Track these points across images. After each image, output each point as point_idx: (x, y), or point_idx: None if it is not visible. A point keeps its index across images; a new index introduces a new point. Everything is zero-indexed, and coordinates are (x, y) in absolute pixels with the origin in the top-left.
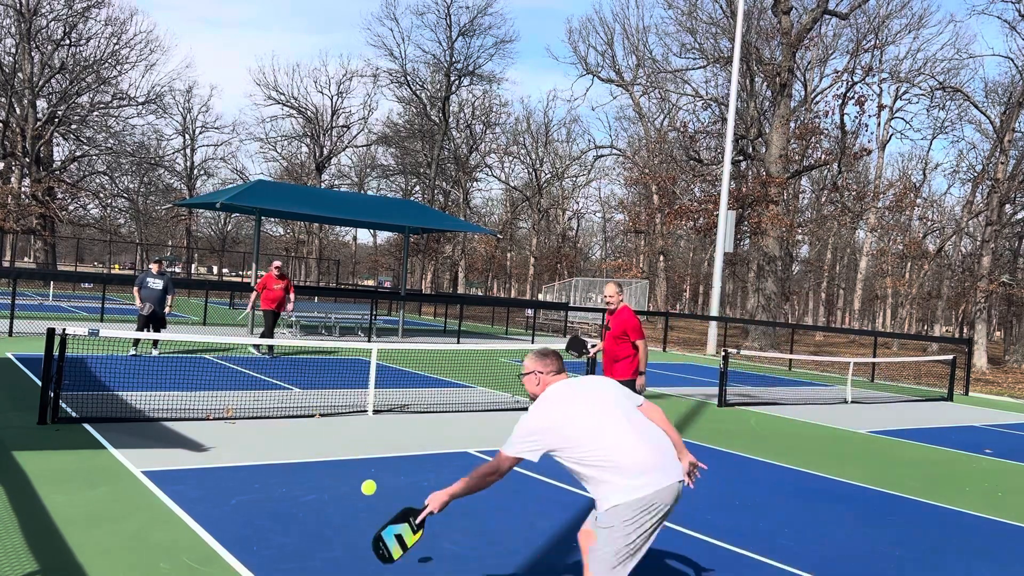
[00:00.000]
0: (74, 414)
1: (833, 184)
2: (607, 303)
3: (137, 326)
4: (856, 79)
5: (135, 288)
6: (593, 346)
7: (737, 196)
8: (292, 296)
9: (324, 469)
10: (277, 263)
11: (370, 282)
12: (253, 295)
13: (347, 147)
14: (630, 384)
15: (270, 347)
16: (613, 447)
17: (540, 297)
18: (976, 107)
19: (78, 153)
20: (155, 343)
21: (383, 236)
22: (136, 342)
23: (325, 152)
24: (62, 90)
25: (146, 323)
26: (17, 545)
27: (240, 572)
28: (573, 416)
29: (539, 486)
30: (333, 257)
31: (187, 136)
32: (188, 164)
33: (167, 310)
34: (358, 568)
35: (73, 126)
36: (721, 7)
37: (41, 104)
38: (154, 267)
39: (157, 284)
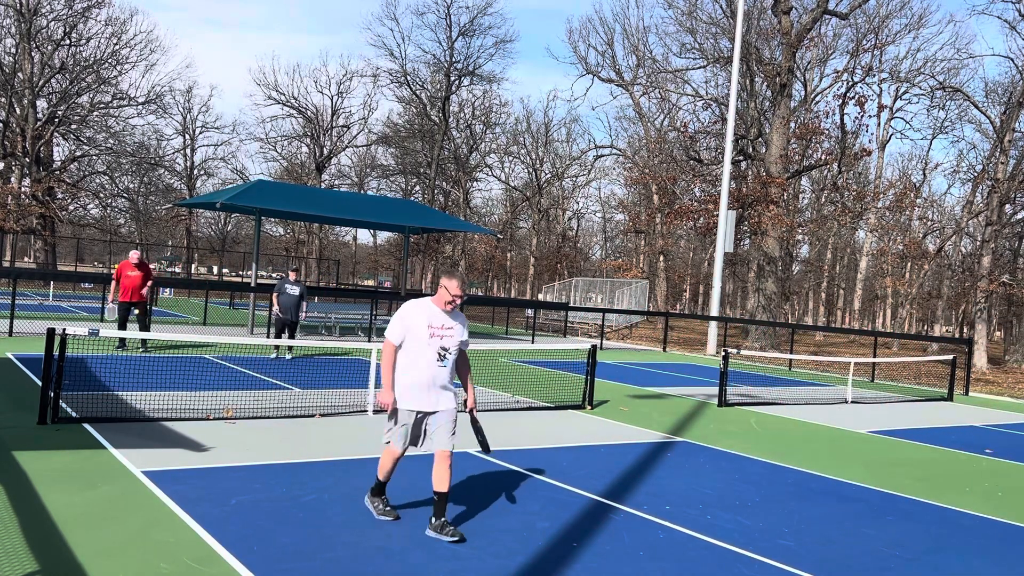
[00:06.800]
0: (74, 414)
1: (833, 184)
2: None
3: (275, 331)
4: (856, 79)
5: (274, 295)
6: None
7: (737, 196)
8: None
9: (324, 469)
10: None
11: (370, 282)
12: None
13: (347, 147)
14: None
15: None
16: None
17: (540, 297)
18: (976, 107)
19: (78, 153)
20: (283, 346)
21: (383, 236)
22: (278, 347)
23: (325, 152)
24: (62, 90)
25: (283, 328)
26: (17, 545)
27: (240, 572)
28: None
29: (539, 486)
30: (333, 257)
31: (187, 136)
32: (188, 164)
33: (302, 316)
34: (358, 568)
35: (73, 126)
36: (721, 7)
37: (41, 104)
38: (291, 275)
39: (294, 291)
